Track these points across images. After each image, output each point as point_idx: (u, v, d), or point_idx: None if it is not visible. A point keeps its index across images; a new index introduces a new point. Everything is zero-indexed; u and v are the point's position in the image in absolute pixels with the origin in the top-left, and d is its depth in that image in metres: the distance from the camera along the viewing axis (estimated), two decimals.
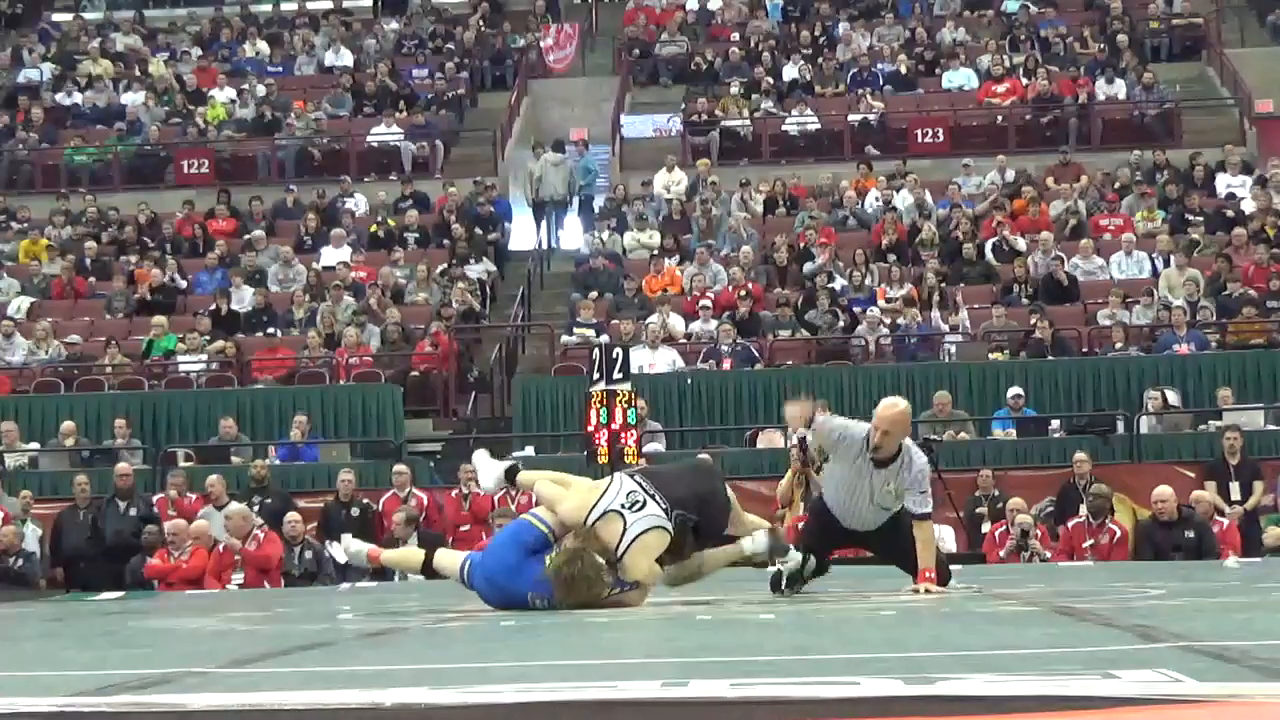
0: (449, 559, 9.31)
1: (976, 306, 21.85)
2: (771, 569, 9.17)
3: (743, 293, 21.97)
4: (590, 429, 16.79)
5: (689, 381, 20.06)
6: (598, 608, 8.11)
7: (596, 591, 8.16)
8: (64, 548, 17.40)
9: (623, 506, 8.37)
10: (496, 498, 17.40)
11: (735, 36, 31.60)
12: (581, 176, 27.22)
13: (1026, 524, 15.36)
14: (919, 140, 27.69)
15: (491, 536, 11.06)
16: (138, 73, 31.41)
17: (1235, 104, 28.43)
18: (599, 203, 27.15)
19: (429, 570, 9.46)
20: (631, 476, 8.68)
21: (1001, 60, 29.09)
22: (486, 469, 9.69)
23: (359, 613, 9.79)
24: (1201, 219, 23.85)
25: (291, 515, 16.34)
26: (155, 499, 17.62)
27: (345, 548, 10.20)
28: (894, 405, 9.10)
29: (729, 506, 8.99)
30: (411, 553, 10.57)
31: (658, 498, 8.42)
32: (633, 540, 8.29)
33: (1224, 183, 25.21)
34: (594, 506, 8.39)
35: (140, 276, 23.84)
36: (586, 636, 6.69)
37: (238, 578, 15.46)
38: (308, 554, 16.06)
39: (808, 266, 22.96)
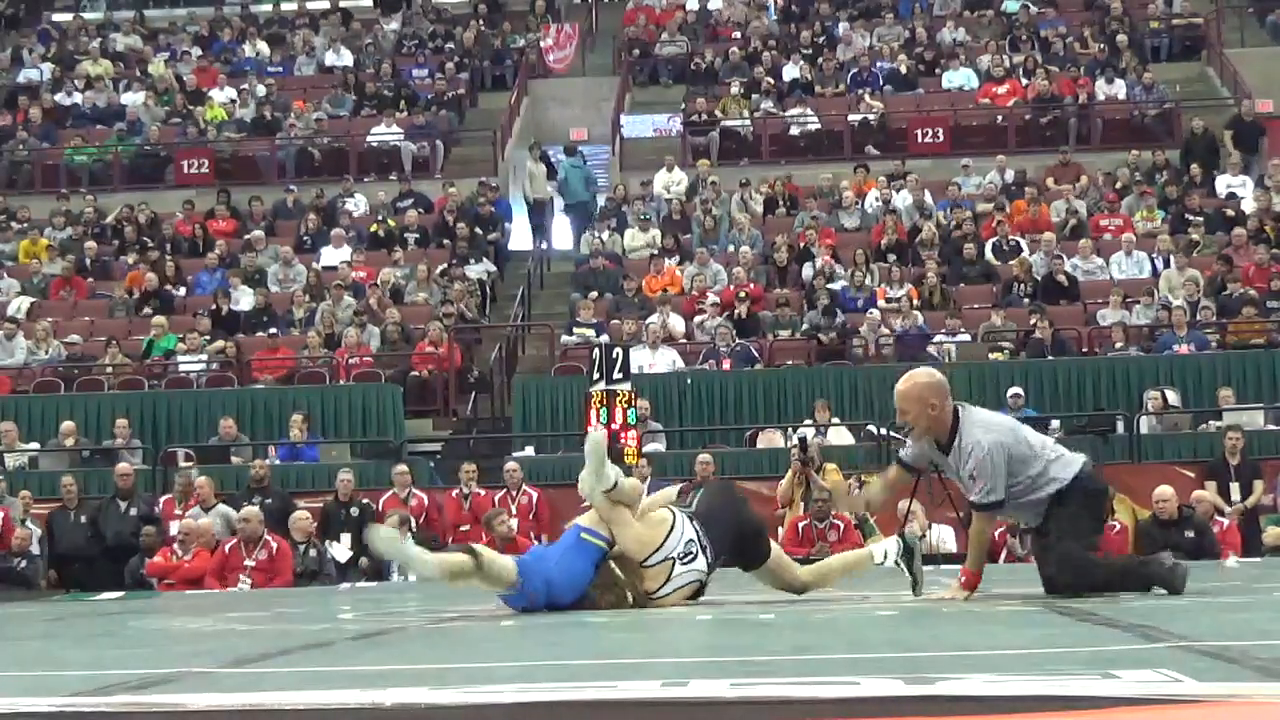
0: (505, 565, 8.26)
1: (976, 306, 21.85)
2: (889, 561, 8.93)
3: (743, 293, 21.97)
4: (590, 429, 16.77)
5: (689, 381, 20.06)
6: None
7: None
8: (59, 548, 17.40)
9: (679, 556, 8.43)
10: (497, 498, 17.41)
11: (735, 36, 31.61)
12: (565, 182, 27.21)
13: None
14: (919, 140, 27.68)
15: (535, 544, 9.86)
16: (138, 73, 31.43)
17: (1235, 104, 28.42)
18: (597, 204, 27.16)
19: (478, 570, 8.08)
20: (690, 521, 8.55)
21: (1001, 60, 29.09)
22: (600, 457, 8.40)
23: (359, 613, 9.79)
24: (1201, 219, 23.86)
25: (299, 514, 16.32)
26: (163, 499, 17.59)
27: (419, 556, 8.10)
28: (904, 379, 8.53)
29: (764, 530, 8.94)
30: (460, 559, 8.16)
31: (708, 551, 8.49)
32: (675, 590, 8.41)
33: (1224, 183, 25.22)
34: (657, 549, 8.40)
35: (139, 277, 23.84)
36: (586, 636, 6.69)
37: (245, 580, 15.34)
38: (309, 554, 16.04)
39: (807, 267, 22.96)
